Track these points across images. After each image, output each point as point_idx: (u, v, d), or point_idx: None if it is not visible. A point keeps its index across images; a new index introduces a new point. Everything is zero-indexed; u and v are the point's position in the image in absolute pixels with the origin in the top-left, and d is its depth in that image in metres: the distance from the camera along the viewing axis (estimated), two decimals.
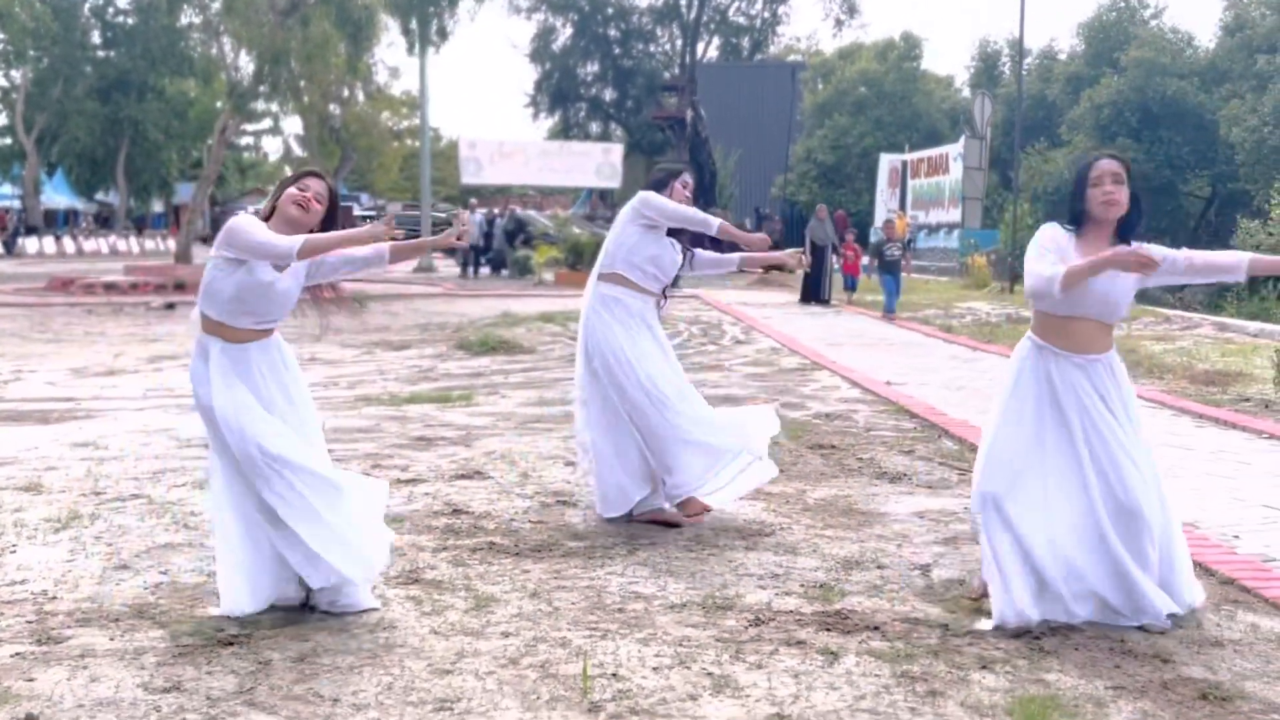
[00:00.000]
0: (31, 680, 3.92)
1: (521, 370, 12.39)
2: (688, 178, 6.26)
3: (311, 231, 4.57)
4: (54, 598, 4.79)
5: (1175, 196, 39.88)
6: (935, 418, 9.27)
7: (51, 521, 5.98)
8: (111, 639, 4.32)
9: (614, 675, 3.99)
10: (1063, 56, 51.10)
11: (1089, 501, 4.50)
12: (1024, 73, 37.43)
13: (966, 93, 54.35)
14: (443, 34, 30.85)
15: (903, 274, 21.53)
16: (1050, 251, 4.53)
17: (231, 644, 4.26)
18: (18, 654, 4.16)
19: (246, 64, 28.39)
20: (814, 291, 22.92)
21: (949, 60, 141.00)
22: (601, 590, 4.95)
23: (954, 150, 36.44)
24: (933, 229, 37.53)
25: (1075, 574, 4.49)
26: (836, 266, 23.80)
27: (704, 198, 36.89)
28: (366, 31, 28.22)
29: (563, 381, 11.35)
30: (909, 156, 41.10)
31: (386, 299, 22.86)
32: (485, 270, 31.93)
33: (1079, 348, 4.60)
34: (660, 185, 6.14)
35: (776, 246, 6.60)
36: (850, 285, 23.88)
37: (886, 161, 42.93)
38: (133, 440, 8.26)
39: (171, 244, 29.89)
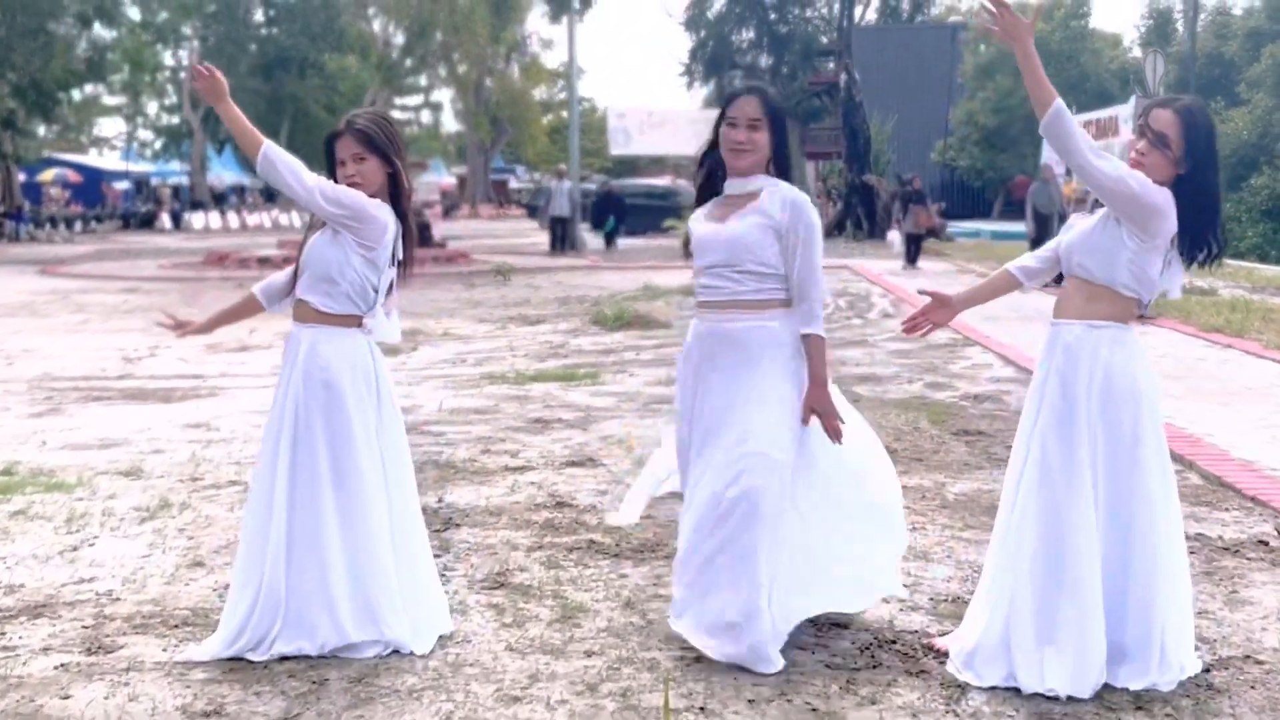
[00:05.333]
0: (67, 698, 3.60)
1: (653, 347, 11.91)
2: None
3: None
4: (117, 599, 4.50)
5: None
6: None
7: (140, 511, 5.74)
8: (164, 649, 3.99)
9: (701, 710, 3.49)
10: (1239, 11, 48.36)
11: None
12: (1197, 30, 35.44)
13: (1136, 52, 51.95)
14: (586, 1, 30.52)
15: None
16: None
17: (289, 658, 3.88)
18: (62, 665, 3.86)
19: (397, 37, 28.54)
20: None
21: (1118, 18, 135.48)
22: None
23: (1124, 111, 34.56)
24: None
25: None
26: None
27: (858, 164, 35.97)
28: (510, 1, 28.10)
29: None
30: (1077, 119, 39.20)
31: (529, 272, 22.65)
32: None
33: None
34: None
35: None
36: None
37: None
38: (245, 421, 8.04)
39: None
